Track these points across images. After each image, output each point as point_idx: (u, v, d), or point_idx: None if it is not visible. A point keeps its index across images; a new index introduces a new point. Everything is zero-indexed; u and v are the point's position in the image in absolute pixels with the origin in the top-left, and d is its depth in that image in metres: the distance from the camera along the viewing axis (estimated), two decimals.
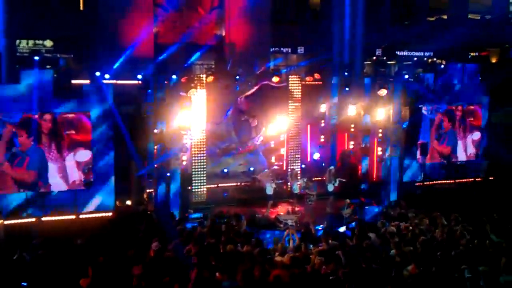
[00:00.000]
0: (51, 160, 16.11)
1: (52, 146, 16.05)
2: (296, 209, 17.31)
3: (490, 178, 21.40)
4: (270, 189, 18.22)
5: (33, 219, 15.47)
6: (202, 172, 19.11)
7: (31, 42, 25.62)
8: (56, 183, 16.21)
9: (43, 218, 15.58)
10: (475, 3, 34.99)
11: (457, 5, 33.72)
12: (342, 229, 15.53)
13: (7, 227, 14.80)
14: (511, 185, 19.07)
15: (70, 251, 11.99)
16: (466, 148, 21.86)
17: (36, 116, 15.76)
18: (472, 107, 21.75)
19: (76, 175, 16.44)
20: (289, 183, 19.50)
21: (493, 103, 22.66)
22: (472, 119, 21.85)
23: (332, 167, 19.90)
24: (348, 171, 21.20)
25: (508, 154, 22.41)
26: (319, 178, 20.59)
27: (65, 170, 16.30)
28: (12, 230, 14.58)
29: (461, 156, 21.84)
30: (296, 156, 20.79)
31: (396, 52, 33.29)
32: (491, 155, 22.19)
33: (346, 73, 23.40)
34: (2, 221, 14.90)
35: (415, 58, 33.51)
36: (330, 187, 18.55)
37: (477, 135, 21.99)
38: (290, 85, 20.41)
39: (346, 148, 22.43)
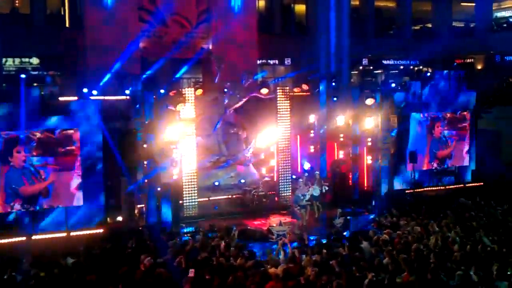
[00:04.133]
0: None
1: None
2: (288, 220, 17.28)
3: (479, 183, 21.50)
4: (317, 191, 18.35)
5: (23, 238, 15.28)
6: (192, 186, 19.04)
7: (17, 60, 25.54)
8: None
9: (33, 237, 15.38)
10: (459, 11, 35.46)
11: (441, 14, 34.14)
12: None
13: None
14: (499, 190, 19.20)
15: (61, 269, 11.85)
16: (458, 154, 21.97)
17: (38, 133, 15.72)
18: (459, 113, 21.89)
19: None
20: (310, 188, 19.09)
21: (479, 109, 22.86)
22: (459, 125, 21.99)
23: (317, 173, 19.90)
24: (338, 180, 21.22)
25: (496, 159, 22.62)
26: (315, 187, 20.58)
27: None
28: (1, 249, 14.38)
29: (456, 162, 21.93)
30: (287, 167, 20.77)
31: (382, 61, 33.58)
32: (479, 161, 22.34)
33: (333, 83, 23.52)
34: None
35: (401, 67, 33.81)
36: (316, 192, 18.60)
37: (465, 141, 22.12)
38: (278, 96, 20.46)
39: (336, 158, 22.48)
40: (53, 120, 15.98)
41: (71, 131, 16.13)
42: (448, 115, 21.69)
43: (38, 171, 15.76)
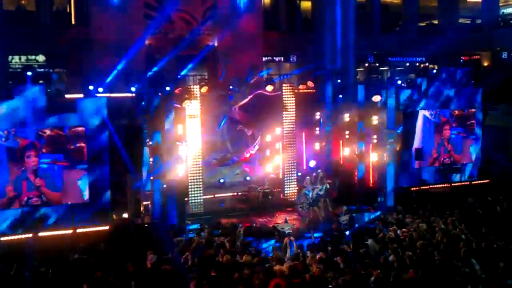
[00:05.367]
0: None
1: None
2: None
3: (485, 181, 21.42)
4: (323, 189, 18.33)
5: (30, 235, 15.34)
6: (198, 183, 19.07)
7: (23, 58, 25.59)
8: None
9: (40, 233, 15.44)
10: (466, 8, 35.27)
11: (447, 10, 33.96)
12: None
13: (4, 243, 14.70)
14: (506, 187, 19.13)
15: (67, 266, 11.91)
16: (465, 152, 21.86)
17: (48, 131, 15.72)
18: (466, 110, 21.78)
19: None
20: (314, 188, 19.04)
21: (486, 106, 22.74)
22: (466, 122, 21.88)
23: (320, 171, 19.89)
24: (344, 177, 21.19)
25: (503, 157, 22.49)
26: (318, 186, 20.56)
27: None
28: (8, 245, 14.46)
29: (463, 159, 21.83)
30: (292, 164, 20.76)
31: (388, 58, 33.42)
32: (486, 158, 22.23)
33: (339, 80, 23.48)
34: None
35: (407, 64, 33.65)
36: (322, 190, 18.60)
37: (472, 138, 22.02)
38: (283, 93, 20.43)
39: (341, 155, 22.43)
40: (59, 117, 15.99)
41: (80, 128, 16.17)
42: (456, 112, 21.58)
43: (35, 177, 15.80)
